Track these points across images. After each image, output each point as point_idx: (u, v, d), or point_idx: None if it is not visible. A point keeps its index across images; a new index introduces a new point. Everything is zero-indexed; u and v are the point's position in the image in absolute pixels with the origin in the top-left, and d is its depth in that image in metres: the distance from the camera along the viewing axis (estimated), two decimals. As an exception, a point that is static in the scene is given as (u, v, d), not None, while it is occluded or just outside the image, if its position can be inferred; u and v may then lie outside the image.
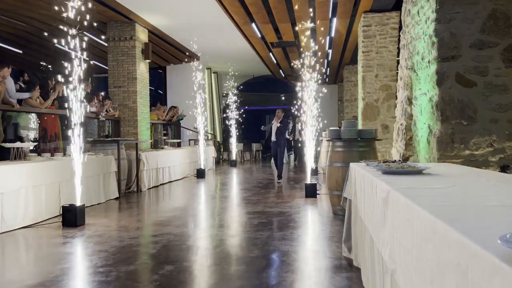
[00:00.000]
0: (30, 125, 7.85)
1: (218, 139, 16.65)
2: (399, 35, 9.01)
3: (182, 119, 12.97)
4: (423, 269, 1.30)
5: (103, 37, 9.44)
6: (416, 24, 4.53)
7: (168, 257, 3.64)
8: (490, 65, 3.71)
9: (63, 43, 5.07)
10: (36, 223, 4.98)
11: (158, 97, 15.31)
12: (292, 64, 8.74)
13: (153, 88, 13.39)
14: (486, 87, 3.71)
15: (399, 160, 3.46)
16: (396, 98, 8.94)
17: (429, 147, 4.06)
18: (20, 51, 11.83)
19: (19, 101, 6.89)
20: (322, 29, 9.83)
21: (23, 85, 7.55)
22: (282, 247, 3.96)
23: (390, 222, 1.86)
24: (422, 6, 4.24)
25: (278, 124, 9.56)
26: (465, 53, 3.75)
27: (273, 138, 9.70)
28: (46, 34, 4.90)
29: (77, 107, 5.07)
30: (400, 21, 9.00)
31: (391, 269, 1.79)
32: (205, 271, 3.38)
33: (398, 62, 9.27)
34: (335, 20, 9.85)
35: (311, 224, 5.18)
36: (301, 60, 7.39)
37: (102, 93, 9.68)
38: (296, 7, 8.65)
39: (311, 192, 6.76)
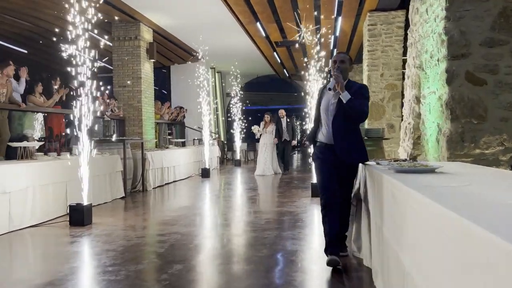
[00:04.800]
0: (36, 124, 7.85)
1: (222, 138, 16.65)
2: (405, 34, 9.00)
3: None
4: (445, 268, 1.28)
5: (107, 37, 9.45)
6: (424, 22, 4.50)
7: (176, 256, 3.63)
8: (500, 63, 3.68)
9: (68, 44, 5.07)
10: (43, 222, 4.98)
11: (162, 96, 15.30)
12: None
13: (157, 88, 13.41)
14: (497, 86, 3.69)
15: (409, 159, 3.44)
16: (402, 97, 8.92)
17: (439, 146, 4.03)
18: (25, 51, 11.85)
19: (24, 100, 6.90)
20: (325, 30, 9.80)
21: (27, 86, 7.57)
22: (290, 246, 3.95)
23: (407, 221, 1.84)
24: (431, 4, 4.21)
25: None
26: (475, 51, 3.73)
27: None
28: (55, 38, 4.90)
29: (85, 107, 5.07)
30: (406, 19, 9.00)
31: (409, 269, 1.77)
32: (214, 271, 3.36)
33: (403, 61, 9.27)
34: (340, 19, 9.82)
35: (319, 224, 5.14)
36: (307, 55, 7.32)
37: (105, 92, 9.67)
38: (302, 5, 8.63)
39: (317, 191, 6.72)
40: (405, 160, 3.11)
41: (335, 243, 3.26)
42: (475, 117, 3.71)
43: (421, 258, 1.54)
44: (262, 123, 10.85)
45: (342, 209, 3.43)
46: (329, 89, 3.24)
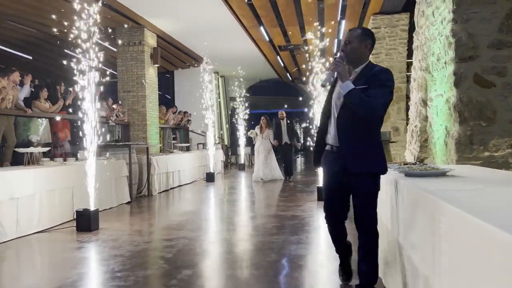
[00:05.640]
0: (41, 130, 7.87)
1: (226, 142, 16.65)
2: (409, 37, 9.00)
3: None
4: (466, 273, 1.26)
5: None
6: (431, 25, 4.50)
7: (185, 262, 3.61)
8: (508, 65, 3.67)
9: (73, 49, 5.08)
10: (50, 228, 4.98)
11: (166, 101, 15.33)
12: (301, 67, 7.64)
13: (160, 93, 13.43)
14: (505, 88, 3.67)
15: (418, 162, 3.42)
16: (406, 100, 8.90)
17: (447, 149, 4.01)
18: (30, 57, 11.91)
19: (29, 106, 6.93)
20: (329, 30, 9.81)
21: (32, 89, 7.62)
22: (299, 250, 3.93)
23: (421, 225, 1.83)
24: (438, 7, 4.21)
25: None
26: (483, 53, 3.71)
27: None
28: (58, 42, 4.96)
29: (91, 113, 5.08)
30: (410, 22, 8.99)
31: (424, 273, 1.75)
32: (223, 276, 3.34)
33: (407, 64, 9.25)
34: (343, 22, 9.83)
35: (326, 228, 5.12)
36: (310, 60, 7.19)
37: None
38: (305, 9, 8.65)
39: (322, 195, 6.69)
40: (415, 163, 3.09)
41: (347, 263, 2.94)
42: (484, 119, 3.69)
43: (438, 263, 1.53)
44: (257, 127, 10.16)
45: (361, 243, 2.56)
46: (322, 86, 2.62)
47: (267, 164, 9.92)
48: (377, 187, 2.52)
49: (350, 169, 2.47)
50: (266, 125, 10.03)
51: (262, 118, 10.19)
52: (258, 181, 9.76)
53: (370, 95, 2.38)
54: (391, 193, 2.50)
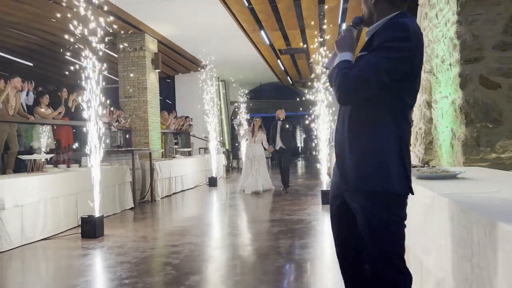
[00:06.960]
0: (43, 136, 7.84)
1: (227, 146, 16.64)
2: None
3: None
4: (486, 277, 1.25)
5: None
6: (434, 27, 4.49)
7: (192, 268, 3.59)
8: (514, 67, 3.66)
9: (74, 55, 5.08)
10: (54, 235, 4.95)
11: (167, 106, 15.32)
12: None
13: (161, 98, 13.42)
14: (511, 89, 3.65)
15: (426, 165, 3.41)
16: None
17: (453, 151, 3.99)
18: (31, 64, 11.92)
19: (31, 112, 6.92)
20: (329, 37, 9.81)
21: (35, 96, 7.63)
22: (306, 255, 3.91)
23: (435, 229, 1.81)
24: (441, 9, 4.20)
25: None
26: (488, 55, 3.70)
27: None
28: (60, 50, 5.00)
29: (94, 119, 5.07)
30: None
31: (440, 277, 1.74)
32: (231, 281, 3.32)
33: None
34: (344, 25, 9.85)
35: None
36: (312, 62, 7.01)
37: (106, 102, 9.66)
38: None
39: (327, 199, 6.67)
40: (423, 166, 3.08)
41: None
42: (490, 121, 3.67)
43: (454, 266, 1.51)
44: (249, 130, 8.93)
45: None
46: (326, 68, 1.95)
47: (258, 173, 8.60)
48: (384, 213, 1.61)
49: (349, 188, 1.70)
50: (259, 127, 8.76)
51: (255, 119, 8.97)
52: (247, 192, 8.43)
53: (359, 65, 1.61)
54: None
